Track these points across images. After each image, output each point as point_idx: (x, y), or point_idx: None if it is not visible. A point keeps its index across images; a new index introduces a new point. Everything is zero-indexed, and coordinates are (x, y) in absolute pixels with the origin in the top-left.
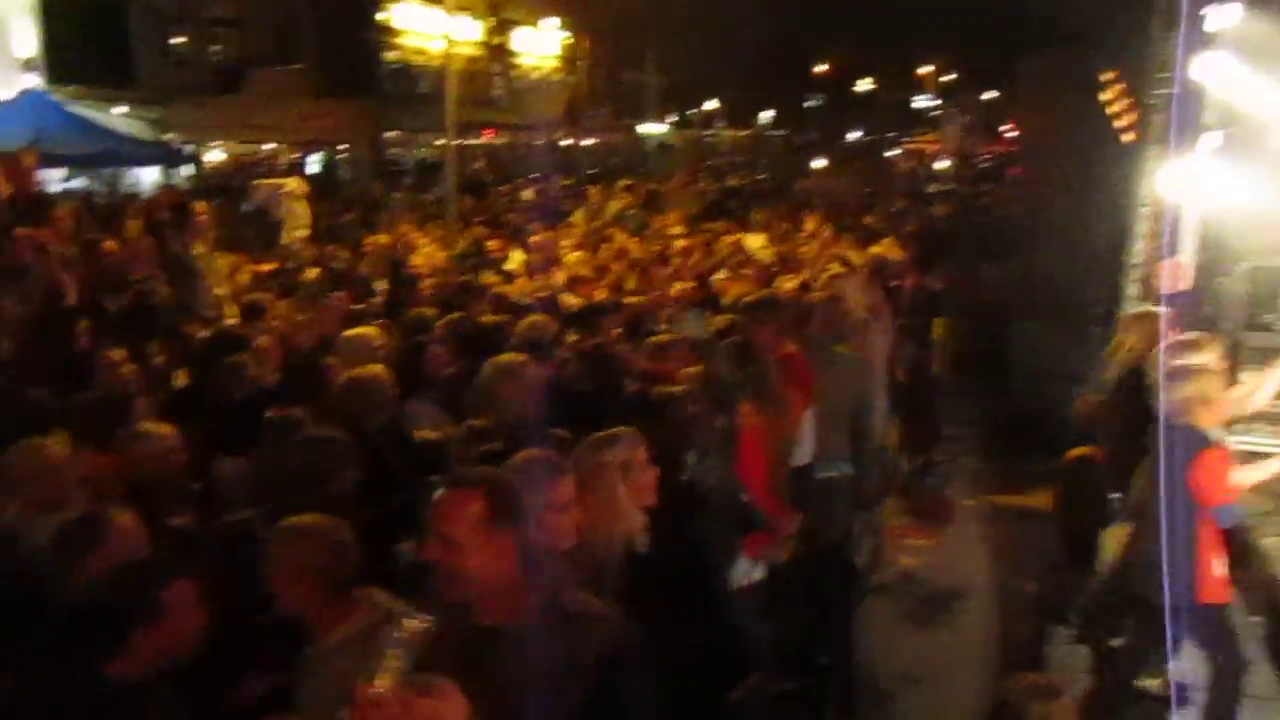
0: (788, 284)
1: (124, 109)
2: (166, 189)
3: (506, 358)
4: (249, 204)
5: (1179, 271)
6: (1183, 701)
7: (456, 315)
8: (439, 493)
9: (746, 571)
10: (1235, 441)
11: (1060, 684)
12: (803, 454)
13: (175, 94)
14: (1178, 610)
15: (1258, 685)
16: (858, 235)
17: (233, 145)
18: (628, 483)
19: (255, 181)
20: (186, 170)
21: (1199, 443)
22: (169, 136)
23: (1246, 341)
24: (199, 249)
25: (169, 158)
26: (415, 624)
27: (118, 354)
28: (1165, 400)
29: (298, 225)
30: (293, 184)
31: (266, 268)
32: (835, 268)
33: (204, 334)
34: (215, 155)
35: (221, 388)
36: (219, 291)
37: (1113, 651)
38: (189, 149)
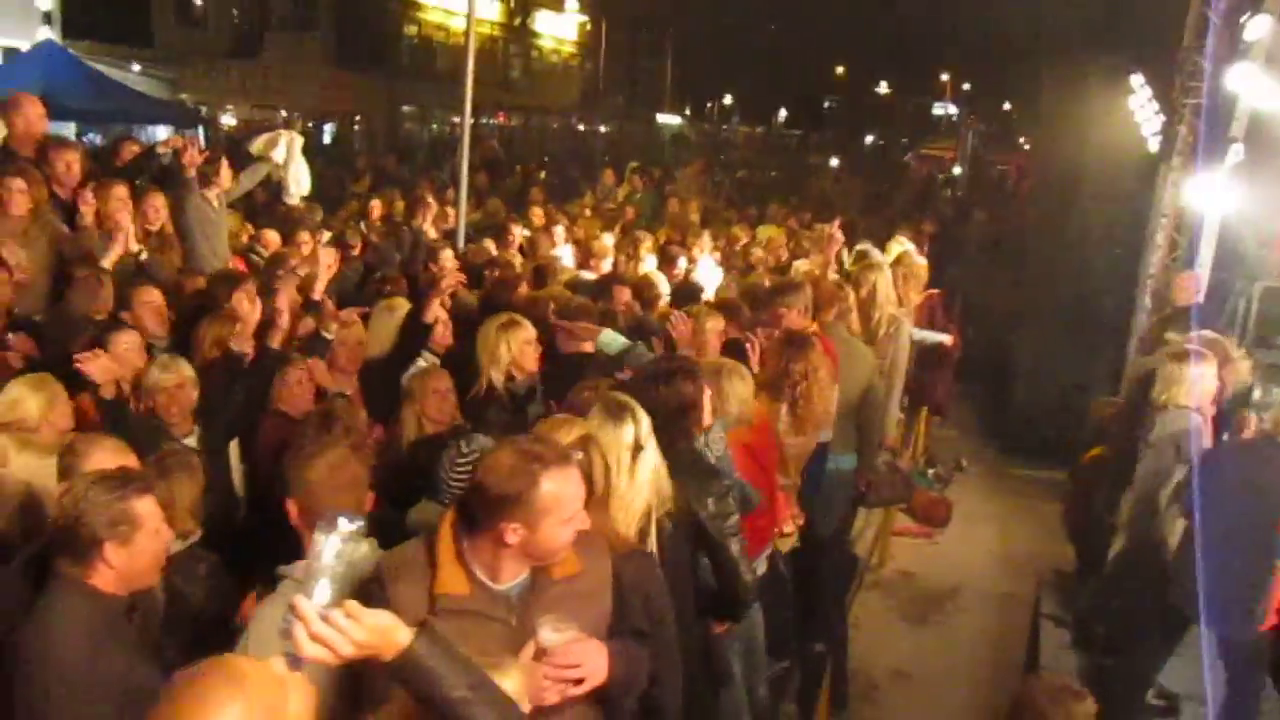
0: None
1: (139, 68)
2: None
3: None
4: (250, 144)
5: (1194, 284)
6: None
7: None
8: (550, 474)
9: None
10: None
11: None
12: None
13: (191, 55)
14: (1224, 628)
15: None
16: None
17: (246, 110)
18: None
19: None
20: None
21: None
22: (183, 97)
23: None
24: (216, 203)
25: (181, 118)
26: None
27: (152, 294)
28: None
29: (301, 182)
30: (292, 134)
31: (272, 235)
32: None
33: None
34: (228, 119)
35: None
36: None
37: (1123, 660)
38: (202, 111)
